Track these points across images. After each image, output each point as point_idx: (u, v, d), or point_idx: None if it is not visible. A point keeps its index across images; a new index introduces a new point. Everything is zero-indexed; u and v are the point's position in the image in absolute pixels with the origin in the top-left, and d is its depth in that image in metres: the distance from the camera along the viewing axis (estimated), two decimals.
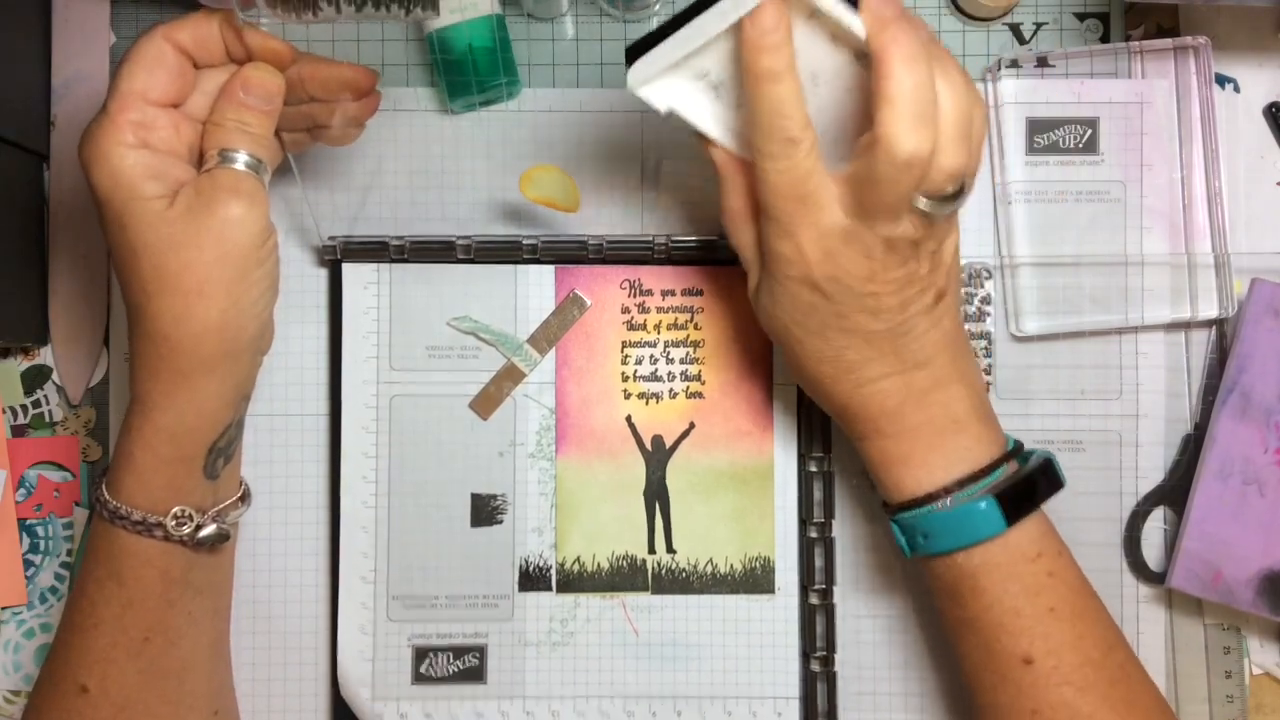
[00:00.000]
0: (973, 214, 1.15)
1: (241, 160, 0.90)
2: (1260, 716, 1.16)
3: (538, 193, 1.08)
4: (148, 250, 0.87)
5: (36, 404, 1.17)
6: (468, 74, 1.10)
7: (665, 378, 1.13)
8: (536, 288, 1.13)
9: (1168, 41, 1.14)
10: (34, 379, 1.17)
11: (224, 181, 0.89)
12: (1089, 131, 1.15)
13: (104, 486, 0.95)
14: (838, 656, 1.13)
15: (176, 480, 0.94)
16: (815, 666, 1.11)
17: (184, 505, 0.94)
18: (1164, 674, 1.14)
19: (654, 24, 1.13)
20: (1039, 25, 1.17)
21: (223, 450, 0.97)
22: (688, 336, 1.13)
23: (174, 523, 0.93)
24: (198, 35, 0.90)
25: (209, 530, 0.96)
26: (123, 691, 0.95)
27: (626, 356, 1.13)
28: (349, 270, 1.12)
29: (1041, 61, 1.15)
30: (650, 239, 1.11)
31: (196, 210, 0.87)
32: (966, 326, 1.12)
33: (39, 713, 0.97)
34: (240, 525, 1.09)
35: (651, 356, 1.13)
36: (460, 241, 1.11)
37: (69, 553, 1.16)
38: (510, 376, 1.13)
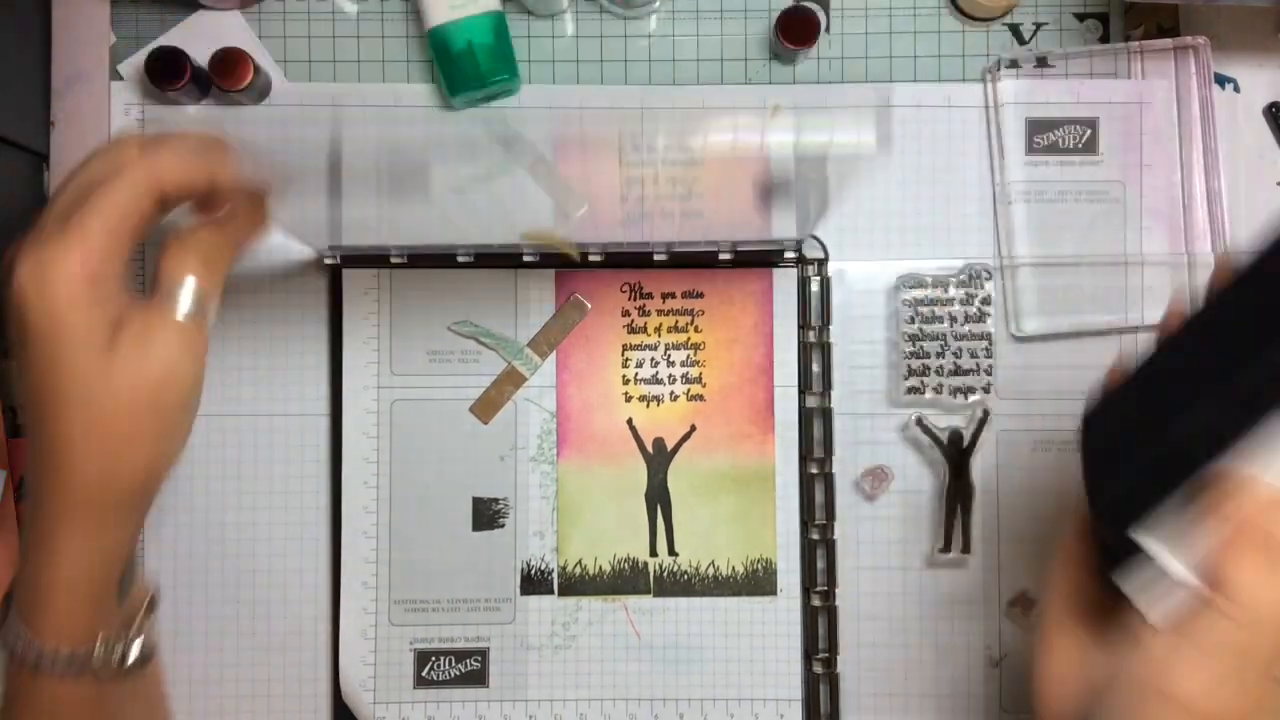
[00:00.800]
0: (972, 214, 1.15)
1: (187, 304, 0.82)
2: None
3: (538, 240, 1.09)
4: (79, 392, 0.78)
5: None
6: (468, 70, 1.10)
7: (666, 380, 1.13)
8: (537, 292, 1.13)
9: (1167, 41, 1.14)
10: None
11: (165, 332, 0.80)
12: (1089, 132, 1.15)
13: (17, 641, 0.85)
14: (840, 658, 1.13)
15: (96, 613, 0.87)
16: (818, 668, 1.12)
17: (104, 632, 0.87)
18: None
19: (653, 23, 1.14)
20: (1039, 25, 1.17)
21: (127, 569, 0.89)
22: (688, 339, 1.13)
23: (102, 654, 0.86)
24: (186, 182, 0.81)
25: (135, 651, 0.89)
26: None
27: (627, 360, 1.13)
28: (349, 276, 1.12)
29: (1041, 62, 1.15)
30: (649, 242, 1.11)
31: (136, 355, 0.79)
32: (966, 327, 1.12)
33: None
34: (241, 528, 1.09)
35: (652, 359, 1.13)
36: (461, 247, 1.11)
37: None
38: (511, 380, 1.13)
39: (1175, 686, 0.66)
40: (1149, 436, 0.72)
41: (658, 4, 1.16)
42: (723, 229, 1.07)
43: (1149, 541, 0.70)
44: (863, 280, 1.14)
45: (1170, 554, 0.69)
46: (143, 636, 0.90)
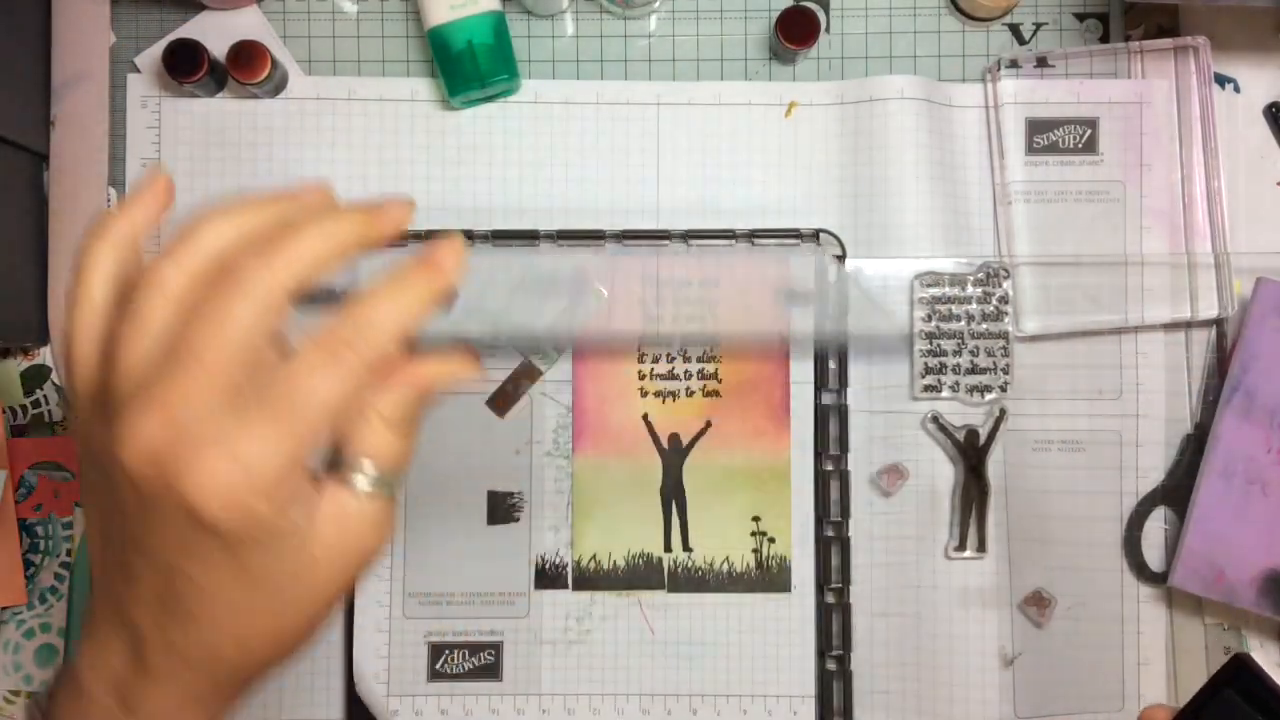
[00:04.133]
0: (974, 214, 1.16)
1: (369, 479, 0.65)
2: None
3: None
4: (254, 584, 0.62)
5: (36, 404, 1.16)
6: (468, 70, 1.10)
7: (682, 376, 1.13)
8: (554, 285, 1.13)
9: (1167, 41, 1.15)
10: (34, 379, 1.16)
11: (359, 514, 0.65)
12: (1089, 131, 1.16)
13: None
14: (853, 655, 1.13)
15: None
16: (831, 665, 1.12)
17: None
18: (1164, 674, 1.15)
19: (653, 23, 1.14)
20: (1039, 25, 1.18)
21: None
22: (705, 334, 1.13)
23: None
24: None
25: None
26: None
27: (643, 355, 1.13)
28: (365, 265, 1.12)
29: (1041, 61, 1.16)
30: (667, 230, 1.11)
31: (296, 551, 0.63)
32: (983, 325, 1.13)
33: None
34: None
35: (669, 354, 1.13)
36: (478, 232, 1.10)
37: (69, 553, 1.15)
38: (527, 374, 1.13)
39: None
40: None
41: (657, 4, 1.16)
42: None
43: None
44: (880, 277, 1.14)
45: None
46: None
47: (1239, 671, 0.84)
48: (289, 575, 0.63)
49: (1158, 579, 1.15)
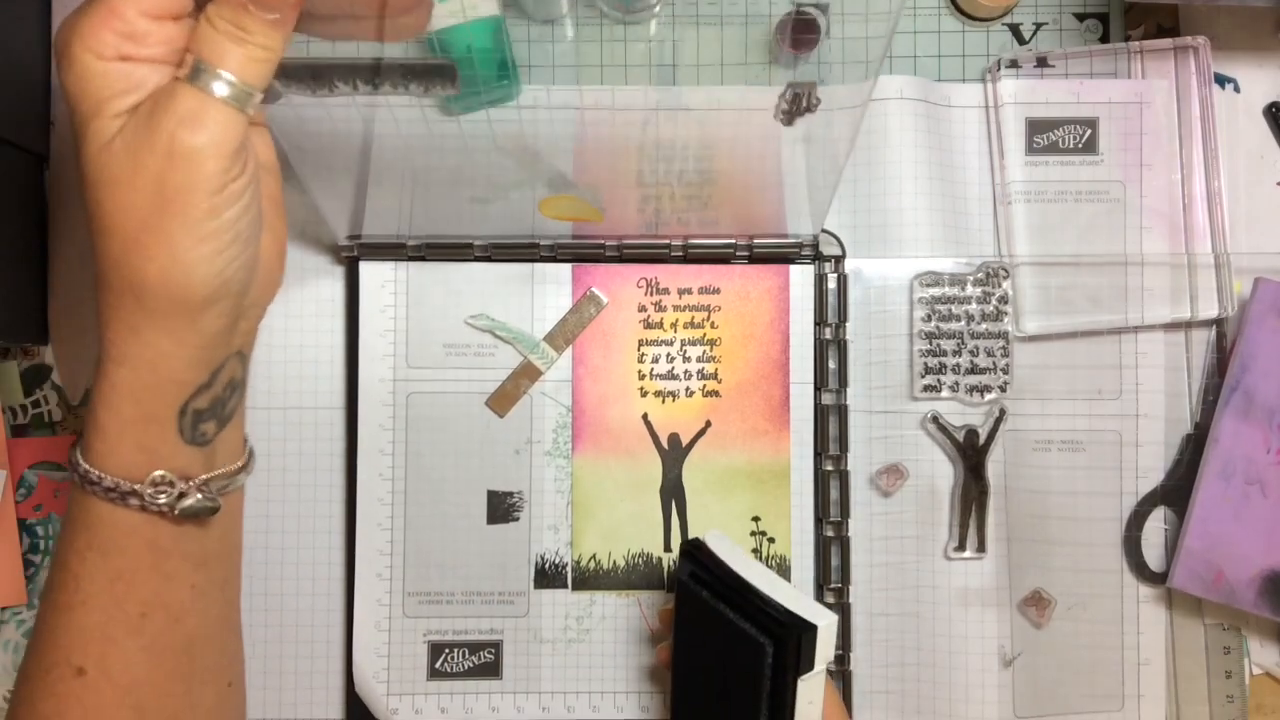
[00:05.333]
0: (974, 214, 1.16)
1: (219, 84, 0.70)
2: (1260, 716, 1.17)
3: (557, 212, 1.08)
4: (89, 180, 0.72)
5: (36, 404, 1.16)
6: (467, 75, 1.10)
7: (682, 376, 1.13)
8: (554, 286, 1.14)
9: (1167, 41, 1.15)
10: (34, 379, 1.16)
11: (180, 107, 0.70)
12: (1089, 131, 1.16)
13: (77, 449, 0.81)
14: (853, 655, 1.13)
15: (148, 443, 0.80)
16: (831, 665, 1.12)
17: (164, 470, 0.80)
18: (1164, 674, 1.15)
19: (653, 28, 1.14)
20: (1039, 25, 1.18)
21: (204, 413, 0.83)
22: (704, 335, 1.13)
23: (151, 490, 0.80)
24: None
25: (191, 501, 0.82)
26: (126, 672, 0.83)
27: (643, 355, 1.14)
28: (366, 269, 1.12)
29: (1041, 61, 1.16)
30: (668, 238, 1.11)
31: (138, 141, 0.70)
32: (983, 325, 1.13)
33: (31, 703, 0.84)
34: (256, 520, 1.09)
35: (668, 355, 1.13)
36: (478, 241, 1.10)
37: None
38: (527, 374, 1.13)
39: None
40: None
41: (657, 8, 1.16)
42: (737, 216, 1.08)
43: None
44: (879, 277, 1.14)
45: None
46: (199, 495, 0.82)
47: (689, 556, 0.97)
48: (112, 151, 0.71)
49: (1157, 579, 1.15)
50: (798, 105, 0.93)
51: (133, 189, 0.71)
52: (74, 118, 0.72)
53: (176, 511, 0.81)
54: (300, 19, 0.74)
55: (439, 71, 0.84)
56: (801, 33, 1.11)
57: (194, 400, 0.81)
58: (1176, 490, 1.14)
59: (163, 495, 0.80)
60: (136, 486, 0.80)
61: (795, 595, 0.92)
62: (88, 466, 0.80)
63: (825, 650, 0.90)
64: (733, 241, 1.12)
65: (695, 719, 1.01)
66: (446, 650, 1.13)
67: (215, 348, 0.81)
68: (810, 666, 0.90)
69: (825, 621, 0.90)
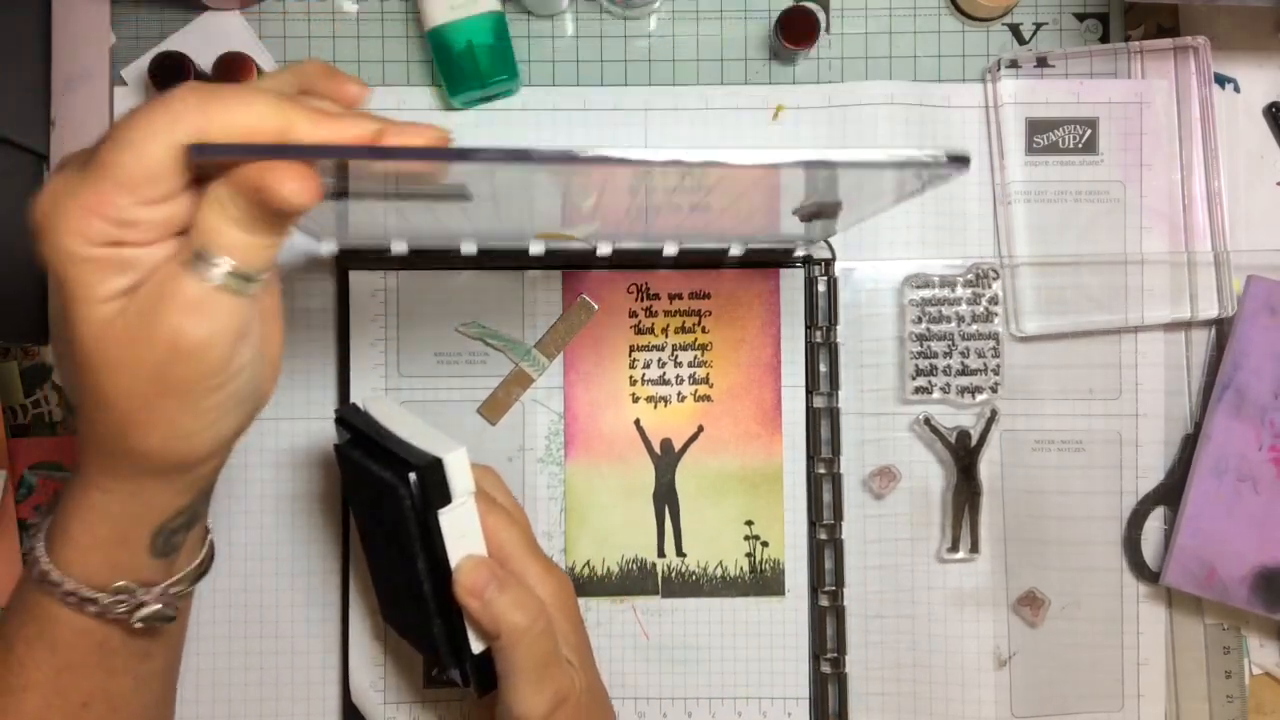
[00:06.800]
0: (973, 214, 1.16)
1: (222, 272, 0.67)
2: (1260, 716, 1.16)
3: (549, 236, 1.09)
4: (82, 362, 0.69)
5: (36, 404, 1.17)
6: (468, 71, 1.10)
7: (673, 381, 1.13)
8: (544, 293, 1.13)
9: (1167, 41, 1.15)
10: (34, 379, 1.17)
11: (181, 298, 0.67)
12: (1089, 131, 1.15)
13: (39, 543, 0.81)
14: (848, 658, 1.13)
15: (117, 559, 0.80)
16: (825, 668, 1.12)
17: (127, 581, 0.80)
18: (1164, 673, 1.15)
19: (653, 23, 1.15)
20: (1039, 25, 1.18)
21: (176, 529, 0.82)
22: (695, 340, 1.13)
23: (110, 600, 0.80)
24: (246, 131, 0.65)
25: (148, 611, 0.81)
26: None
27: (634, 360, 1.13)
28: (356, 278, 1.12)
29: (1041, 62, 1.16)
30: (658, 244, 1.11)
31: (139, 331, 0.67)
32: (974, 326, 1.12)
33: None
34: (249, 531, 1.09)
35: (660, 360, 1.13)
36: (465, 248, 1.10)
37: None
38: (519, 382, 1.13)
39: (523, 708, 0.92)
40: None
41: (657, 4, 1.16)
42: (732, 227, 1.07)
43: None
44: (869, 280, 1.14)
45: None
46: (159, 605, 0.82)
47: (342, 423, 0.99)
48: (106, 339, 0.68)
49: (1156, 579, 1.14)
50: (818, 212, 0.93)
51: (133, 376, 0.69)
52: (58, 292, 0.68)
53: (133, 621, 0.81)
54: None
55: (453, 191, 0.84)
56: (801, 27, 1.11)
57: (170, 522, 0.81)
58: (1176, 489, 1.14)
59: (121, 605, 0.80)
60: (97, 595, 0.79)
61: (434, 436, 0.94)
62: (49, 568, 0.79)
63: (462, 481, 0.93)
64: (723, 246, 1.11)
65: (382, 577, 1.04)
66: None
67: (206, 479, 0.82)
68: (447, 499, 0.92)
69: (453, 454, 0.92)
